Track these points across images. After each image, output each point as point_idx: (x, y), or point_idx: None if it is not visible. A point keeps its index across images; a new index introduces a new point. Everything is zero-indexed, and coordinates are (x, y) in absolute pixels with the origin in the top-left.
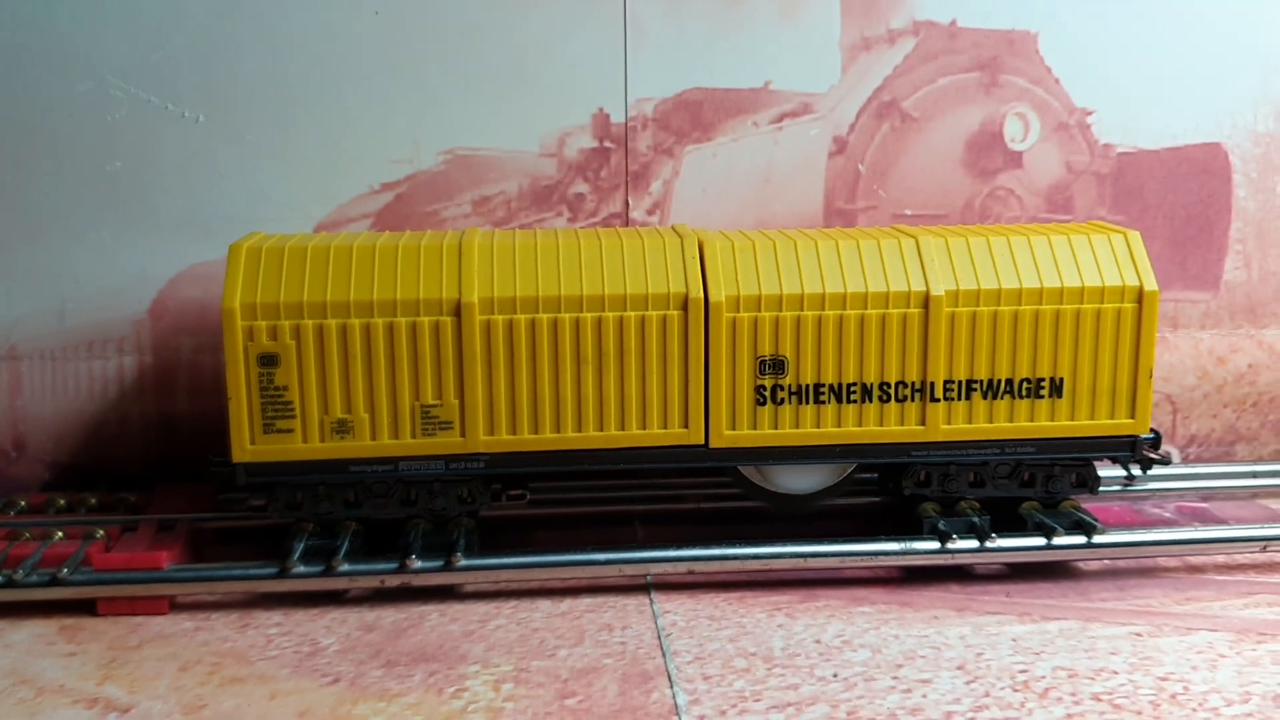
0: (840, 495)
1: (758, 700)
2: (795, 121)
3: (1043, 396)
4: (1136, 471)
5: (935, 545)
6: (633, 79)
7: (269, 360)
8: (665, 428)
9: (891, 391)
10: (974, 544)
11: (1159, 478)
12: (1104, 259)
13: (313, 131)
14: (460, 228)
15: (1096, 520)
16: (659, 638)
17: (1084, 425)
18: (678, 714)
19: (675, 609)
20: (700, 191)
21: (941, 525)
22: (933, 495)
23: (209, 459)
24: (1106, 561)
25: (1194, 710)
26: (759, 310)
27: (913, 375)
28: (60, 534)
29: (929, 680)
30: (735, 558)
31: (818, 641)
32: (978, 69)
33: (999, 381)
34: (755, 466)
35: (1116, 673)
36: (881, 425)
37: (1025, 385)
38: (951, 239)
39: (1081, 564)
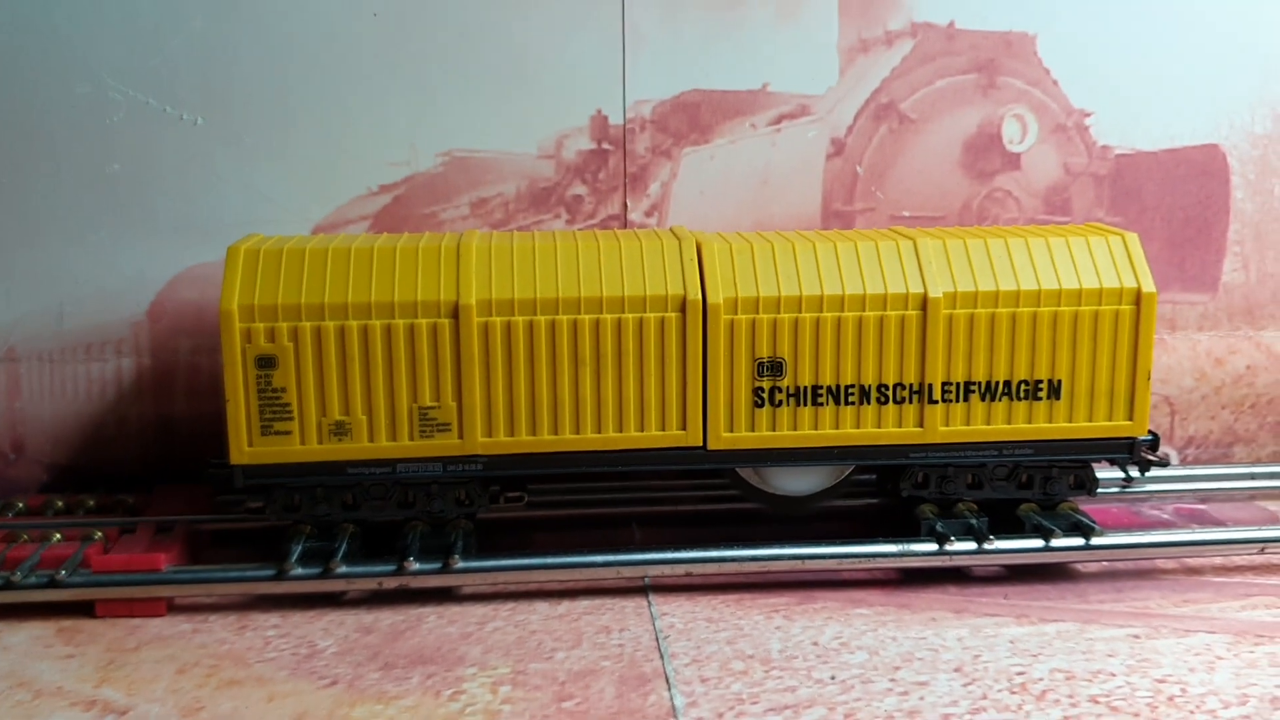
0: (838, 497)
1: (755, 703)
2: (793, 123)
3: (1040, 398)
4: (1134, 473)
5: (933, 547)
6: (631, 81)
7: (267, 362)
8: (663, 430)
9: (889, 393)
10: (972, 546)
11: (1157, 479)
12: (1102, 261)
13: (311, 133)
14: (458, 230)
15: (1094, 522)
16: (657, 640)
17: (1082, 427)
18: (675, 716)
19: (673, 611)
20: (698, 193)
21: (939, 527)
22: (931, 497)
23: (207, 461)
24: (1104, 563)
25: (1191, 712)
26: (757, 312)
27: (910, 377)
28: (58, 536)
29: (926, 682)
30: (733, 560)
31: (815, 643)
32: (975, 71)
33: (997, 383)
34: (753, 468)
35: (1114, 675)
36: (879, 427)
37: (1023, 387)
38: (949, 241)
39: (1079, 566)
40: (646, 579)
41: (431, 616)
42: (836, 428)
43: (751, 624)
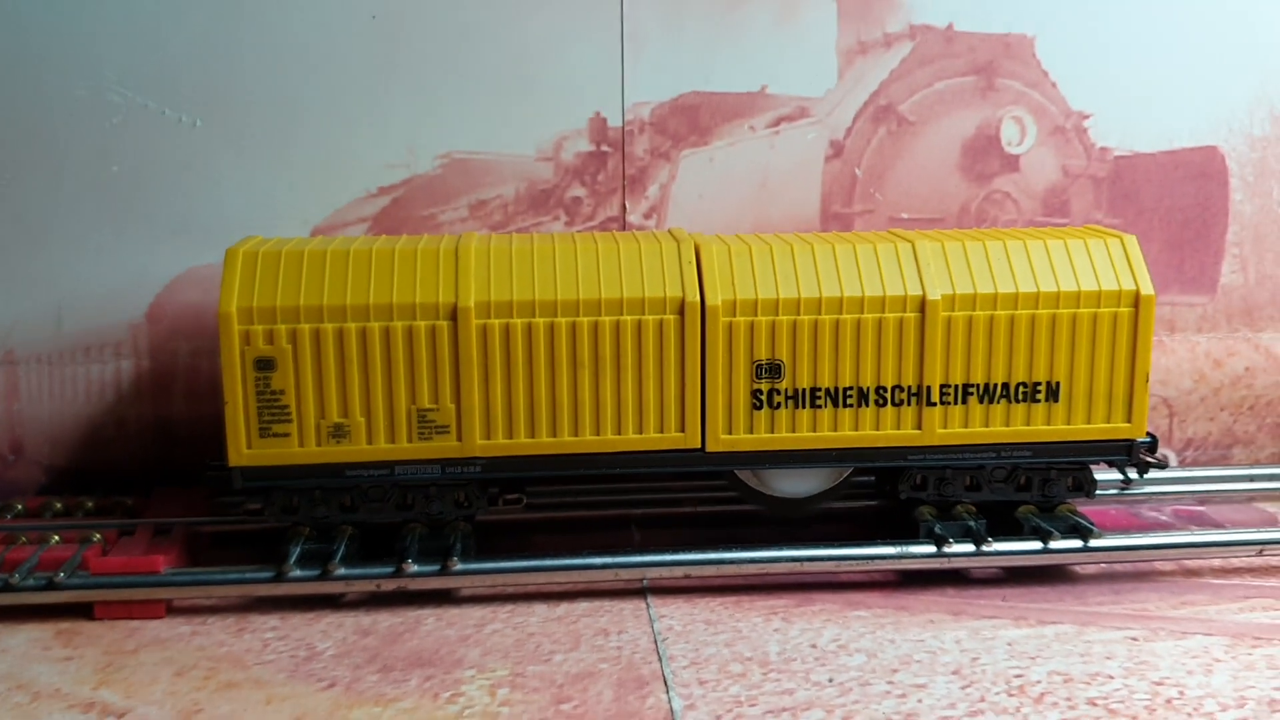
0: (836, 499)
1: (753, 705)
2: (792, 125)
3: (1039, 401)
4: (1133, 475)
5: (931, 549)
6: (630, 83)
7: (265, 364)
8: (662, 432)
9: (888, 396)
10: (970, 548)
11: (1156, 481)
12: (1100, 263)
13: (310, 135)
14: (457, 232)
15: (1093, 524)
16: (655, 642)
17: (1080, 429)
18: (673, 719)
19: (671, 613)
20: (697, 195)
21: (938, 529)
22: (929, 499)
23: (206, 463)
24: (1103, 565)
25: (1189, 715)
26: (755, 314)
27: (909, 379)
28: (57, 538)
29: (924, 685)
30: (731, 562)
31: (813, 646)
32: (974, 73)
33: (995, 385)
34: (751, 470)
35: (1112, 677)
36: (878, 429)
37: (1021, 389)
38: (948, 243)
39: (1078, 568)
40: (645, 581)
41: (430, 619)
42: (835, 430)
43: (750, 626)
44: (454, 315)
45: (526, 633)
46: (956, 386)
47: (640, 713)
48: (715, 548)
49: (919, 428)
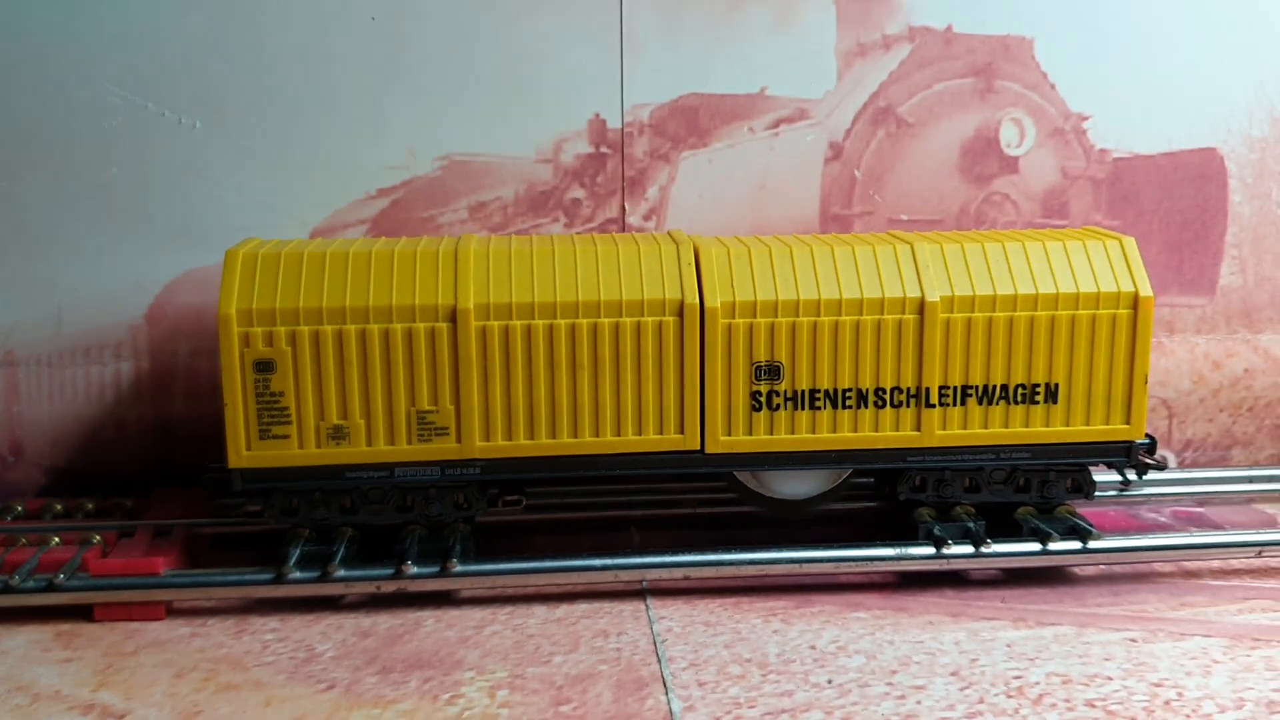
0: (836, 501)
1: (752, 707)
2: (791, 127)
3: (1038, 402)
4: (1132, 476)
5: (930, 551)
6: (629, 85)
7: (265, 366)
8: (661, 433)
9: (887, 397)
10: (969, 549)
11: (1155, 483)
12: (1099, 264)
13: (309, 137)
14: (456, 233)
15: (1092, 525)
16: (654, 644)
17: (1079, 431)
18: None
19: (671, 615)
20: (696, 197)
21: (937, 530)
22: (928, 500)
23: (205, 464)
24: (1102, 567)
25: (1188, 717)
26: (755, 316)
27: (908, 381)
28: (57, 539)
29: (923, 686)
30: (731, 563)
31: (813, 647)
32: (973, 75)
33: (994, 387)
34: (751, 472)
35: (1110, 679)
36: (877, 431)
37: (1020, 391)
38: (947, 244)
39: (1077, 569)
40: (644, 582)
41: (429, 620)
42: (834, 431)
43: (749, 627)
44: (453, 317)
45: (526, 634)
46: (955, 388)
47: (639, 714)
48: (714, 549)
49: (918, 429)
